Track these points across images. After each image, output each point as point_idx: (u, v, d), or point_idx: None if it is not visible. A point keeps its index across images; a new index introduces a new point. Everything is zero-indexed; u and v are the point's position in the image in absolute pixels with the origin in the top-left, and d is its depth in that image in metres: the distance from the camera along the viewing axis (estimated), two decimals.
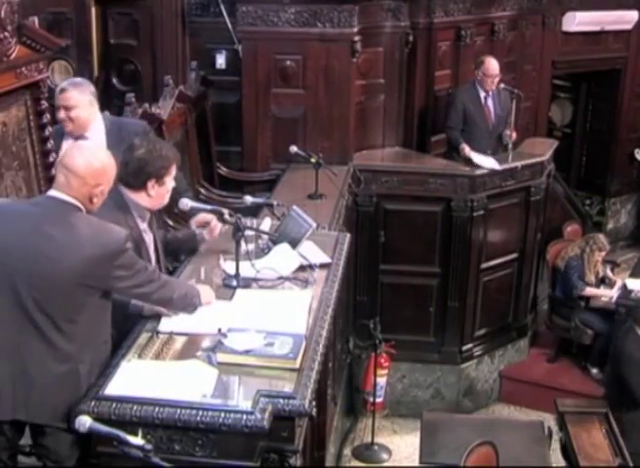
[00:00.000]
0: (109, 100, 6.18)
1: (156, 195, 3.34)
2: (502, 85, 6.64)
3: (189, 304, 3.21)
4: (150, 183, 3.30)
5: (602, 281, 6.87)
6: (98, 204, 2.93)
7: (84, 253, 2.76)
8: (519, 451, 4.76)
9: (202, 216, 3.83)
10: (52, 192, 2.87)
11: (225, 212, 3.63)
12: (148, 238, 3.43)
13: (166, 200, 3.43)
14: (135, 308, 3.22)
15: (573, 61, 8.36)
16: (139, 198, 3.33)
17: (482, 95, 6.47)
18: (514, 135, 6.57)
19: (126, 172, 3.28)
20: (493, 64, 6.39)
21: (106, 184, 2.93)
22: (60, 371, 2.80)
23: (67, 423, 2.77)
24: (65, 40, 5.42)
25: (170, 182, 3.39)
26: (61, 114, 4.11)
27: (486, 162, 6.15)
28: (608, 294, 6.66)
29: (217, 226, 3.80)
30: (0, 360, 2.77)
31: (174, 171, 3.40)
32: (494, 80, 6.40)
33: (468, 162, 6.20)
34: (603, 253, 6.77)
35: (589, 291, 6.71)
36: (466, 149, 6.24)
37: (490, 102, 6.50)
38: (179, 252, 3.91)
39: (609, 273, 6.97)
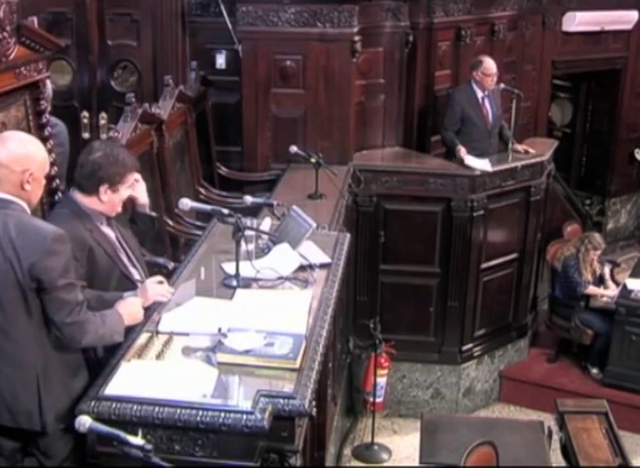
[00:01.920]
0: (109, 101, 6.20)
1: (108, 201, 3.28)
2: (502, 85, 6.64)
3: (108, 342, 3.00)
4: (103, 188, 3.24)
5: (601, 281, 6.87)
6: (34, 192, 2.86)
7: (10, 253, 2.71)
8: (519, 451, 4.75)
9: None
10: None
11: (225, 212, 3.62)
12: (112, 236, 3.38)
13: (118, 208, 3.34)
14: None
15: (573, 61, 8.37)
16: (91, 202, 3.27)
17: (479, 95, 6.47)
18: (521, 147, 6.58)
19: (80, 174, 3.25)
20: (491, 63, 6.41)
21: (36, 169, 2.84)
22: (16, 377, 2.78)
23: (40, 426, 2.79)
24: (65, 40, 5.42)
25: (124, 191, 3.31)
26: None
27: (478, 164, 6.15)
28: (611, 295, 6.66)
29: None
30: None
31: (130, 179, 3.33)
32: (493, 78, 6.41)
33: (462, 164, 6.20)
34: (598, 252, 6.77)
35: (592, 289, 6.71)
36: (461, 151, 6.23)
37: (487, 102, 6.51)
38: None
39: (606, 274, 6.96)
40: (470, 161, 6.16)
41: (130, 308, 3.09)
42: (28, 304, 2.77)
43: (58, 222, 2.96)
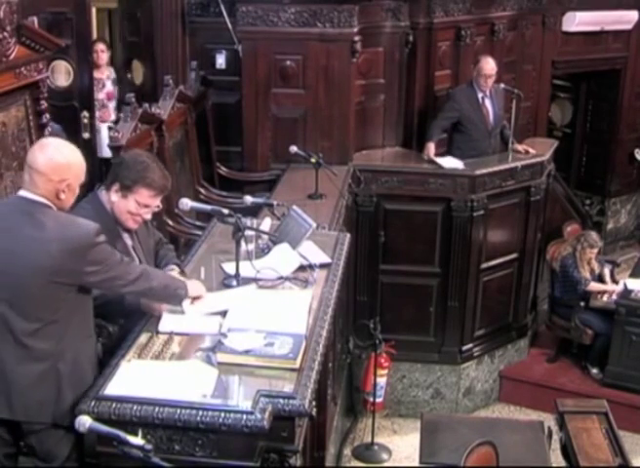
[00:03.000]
0: None
1: (116, 203, 3.26)
2: (503, 85, 6.64)
3: (172, 295, 3.14)
4: (114, 187, 3.24)
5: (600, 280, 6.87)
6: (68, 200, 2.87)
7: (52, 250, 2.72)
8: (519, 451, 4.75)
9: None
10: (21, 192, 2.84)
11: (225, 212, 3.62)
12: (129, 243, 3.37)
13: (124, 217, 3.28)
14: (131, 303, 3.19)
15: (573, 61, 8.37)
16: (106, 199, 3.28)
17: (479, 95, 6.46)
18: (522, 147, 6.58)
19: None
20: (488, 64, 6.38)
21: (73, 179, 2.85)
22: (37, 370, 2.79)
23: (54, 420, 2.80)
24: (65, 40, 5.42)
25: (131, 203, 3.23)
26: None
27: (448, 163, 6.15)
28: (613, 289, 6.66)
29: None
30: None
31: (144, 195, 3.23)
32: (486, 80, 6.38)
33: (431, 162, 6.21)
34: (595, 250, 6.77)
35: (594, 285, 6.71)
36: (431, 150, 6.25)
37: (487, 102, 6.50)
38: None
39: (607, 275, 6.96)
40: (440, 160, 6.18)
41: (193, 283, 3.26)
42: (59, 298, 2.78)
43: (79, 216, 2.95)
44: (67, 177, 2.82)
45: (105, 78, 6.68)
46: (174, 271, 3.46)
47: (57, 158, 2.80)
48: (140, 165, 3.24)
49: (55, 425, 2.83)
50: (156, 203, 3.32)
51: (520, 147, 6.60)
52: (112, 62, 6.93)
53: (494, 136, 6.57)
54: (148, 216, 3.36)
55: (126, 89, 6.25)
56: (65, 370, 2.82)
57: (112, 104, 6.68)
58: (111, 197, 3.26)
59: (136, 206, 3.25)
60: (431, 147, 6.27)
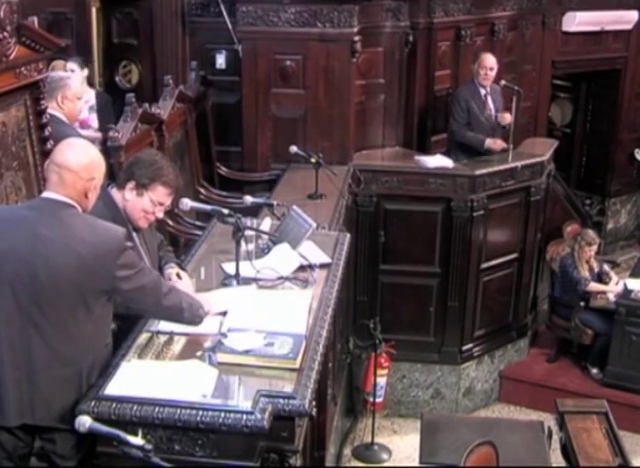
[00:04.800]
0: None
1: (130, 202, 3.27)
2: (503, 81, 6.64)
3: (196, 316, 3.09)
4: (130, 185, 3.25)
5: (600, 279, 6.87)
6: (92, 200, 2.89)
7: (82, 253, 2.73)
8: (519, 451, 4.75)
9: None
10: (46, 193, 2.84)
11: (225, 212, 3.62)
12: (137, 240, 3.37)
13: (137, 216, 3.29)
14: None
15: (573, 61, 8.37)
16: (120, 199, 3.29)
17: (482, 92, 6.48)
18: (507, 116, 6.54)
19: (123, 167, 3.27)
20: (489, 57, 6.43)
21: (99, 178, 2.89)
22: (63, 375, 2.80)
23: (71, 424, 2.77)
24: (65, 40, 5.42)
25: (146, 201, 3.25)
26: None
27: (436, 161, 6.15)
28: (613, 290, 6.66)
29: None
30: (7, 366, 2.75)
31: (160, 192, 3.26)
32: (487, 72, 6.40)
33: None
34: (593, 248, 6.77)
35: (594, 286, 6.71)
36: (496, 143, 6.36)
37: (490, 100, 6.51)
38: None
39: (606, 269, 6.96)
40: (426, 158, 6.22)
41: (203, 298, 3.21)
42: (88, 303, 2.79)
43: (89, 212, 2.96)
44: (96, 176, 2.86)
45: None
46: (173, 269, 3.46)
47: (86, 157, 2.84)
48: (156, 163, 3.28)
49: (73, 430, 2.82)
50: (169, 201, 3.35)
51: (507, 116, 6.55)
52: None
53: (497, 133, 6.57)
54: (161, 215, 3.38)
55: (115, 94, 6.19)
56: (85, 375, 2.83)
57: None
58: (125, 195, 3.27)
59: (151, 204, 3.27)
60: (489, 140, 6.37)
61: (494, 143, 6.38)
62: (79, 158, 2.81)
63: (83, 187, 2.82)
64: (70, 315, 2.78)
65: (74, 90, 4.50)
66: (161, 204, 3.30)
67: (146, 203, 3.27)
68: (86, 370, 2.83)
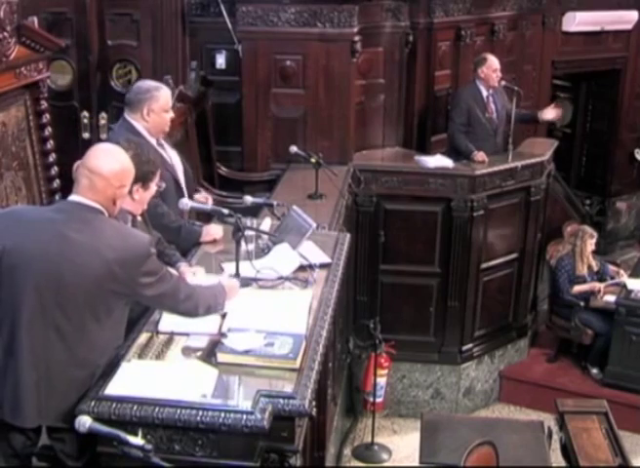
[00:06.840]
0: (109, 101, 6.20)
1: (140, 199, 3.34)
2: (504, 82, 6.64)
3: (213, 312, 3.16)
4: (135, 187, 3.27)
5: (600, 278, 6.85)
6: (119, 206, 2.92)
7: (109, 258, 2.74)
8: (519, 451, 4.75)
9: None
10: (74, 197, 2.83)
11: (225, 212, 3.62)
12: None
13: (145, 205, 3.41)
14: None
15: (573, 61, 8.37)
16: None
17: (484, 93, 6.47)
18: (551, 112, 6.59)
19: None
20: (494, 59, 6.44)
21: (128, 186, 2.93)
22: (79, 377, 2.81)
23: None
24: (65, 40, 5.42)
25: (153, 187, 3.39)
26: None
27: (435, 162, 6.15)
28: (597, 286, 6.66)
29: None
30: (27, 367, 2.76)
31: (158, 176, 3.42)
32: (498, 74, 6.42)
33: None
34: (594, 240, 6.79)
35: (577, 289, 6.70)
36: (478, 156, 6.24)
37: (492, 101, 6.51)
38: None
39: (613, 269, 6.96)
40: (426, 158, 6.21)
41: (230, 283, 3.29)
42: (109, 307, 2.81)
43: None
44: (126, 184, 2.90)
45: None
46: (188, 268, 3.58)
47: (119, 164, 2.86)
48: (144, 156, 3.35)
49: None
50: None
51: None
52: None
53: (498, 135, 6.57)
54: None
55: (107, 97, 6.18)
56: (97, 377, 2.84)
57: None
58: (134, 196, 3.29)
59: (154, 188, 3.40)
60: (477, 154, 6.25)
61: (480, 156, 6.27)
62: (112, 165, 2.82)
63: (113, 194, 2.83)
64: (91, 318, 2.79)
65: (162, 102, 4.13)
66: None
67: (153, 189, 3.40)
68: (99, 372, 2.84)
